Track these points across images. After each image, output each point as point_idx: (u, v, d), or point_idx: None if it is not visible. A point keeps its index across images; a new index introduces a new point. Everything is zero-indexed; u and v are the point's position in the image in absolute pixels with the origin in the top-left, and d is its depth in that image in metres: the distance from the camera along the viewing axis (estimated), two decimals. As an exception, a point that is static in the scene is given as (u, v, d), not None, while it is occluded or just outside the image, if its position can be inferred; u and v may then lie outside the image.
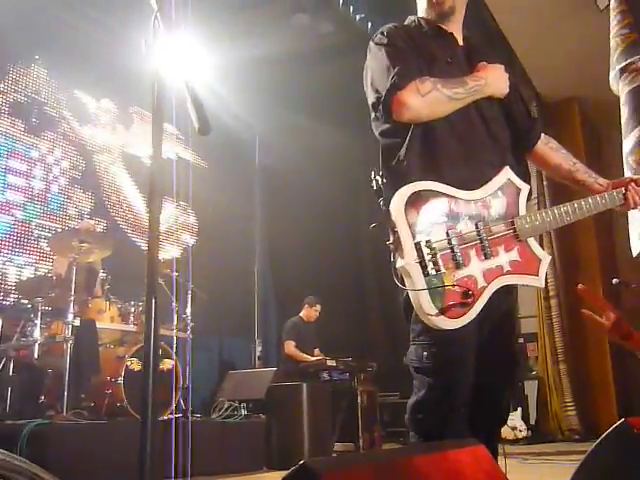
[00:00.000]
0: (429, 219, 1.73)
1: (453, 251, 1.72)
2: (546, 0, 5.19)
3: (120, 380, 4.50)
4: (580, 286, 1.99)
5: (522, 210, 1.86)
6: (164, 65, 1.43)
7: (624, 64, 3.21)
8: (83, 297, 4.87)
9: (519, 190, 1.88)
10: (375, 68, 1.95)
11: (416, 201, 1.72)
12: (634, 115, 3.22)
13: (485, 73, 1.97)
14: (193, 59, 5.94)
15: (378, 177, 1.85)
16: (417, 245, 1.69)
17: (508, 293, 1.90)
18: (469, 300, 1.69)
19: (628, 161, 3.25)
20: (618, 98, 3.37)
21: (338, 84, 7.21)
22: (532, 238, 1.86)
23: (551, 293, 6.67)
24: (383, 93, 1.86)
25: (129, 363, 4.60)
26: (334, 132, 7.54)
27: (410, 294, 1.69)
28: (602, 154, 7.30)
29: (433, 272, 1.68)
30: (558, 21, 5.50)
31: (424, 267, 1.67)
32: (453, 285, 1.68)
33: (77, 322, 4.49)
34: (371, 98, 1.95)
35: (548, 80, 6.48)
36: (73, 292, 4.51)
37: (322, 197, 7.64)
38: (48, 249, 5.68)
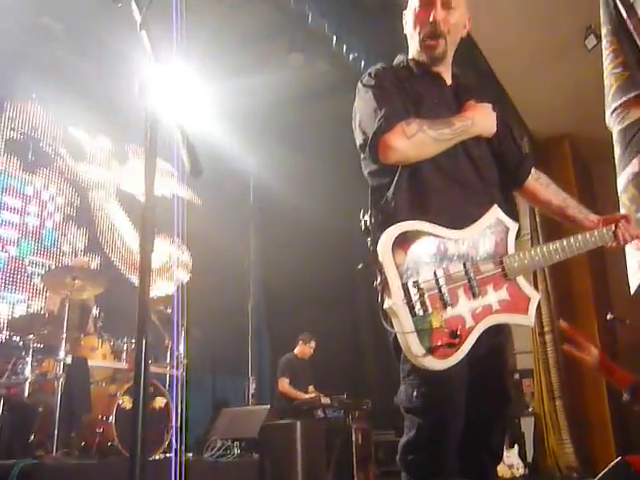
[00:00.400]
0: (416, 259, 1.72)
1: (441, 291, 1.71)
2: (536, 40, 5.28)
3: (111, 419, 4.44)
4: (561, 322, 2.00)
5: (511, 249, 1.86)
6: (159, 104, 1.44)
7: (619, 102, 3.26)
8: (75, 334, 4.84)
9: (507, 228, 1.88)
10: (363, 110, 1.97)
11: (403, 241, 1.72)
12: (625, 154, 3.26)
13: (472, 113, 1.98)
14: (188, 98, 6.02)
15: (367, 217, 1.86)
16: (404, 285, 1.68)
17: (498, 331, 1.89)
18: (457, 340, 1.68)
19: (622, 199, 3.28)
20: (609, 135, 3.41)
21: (333, 123, 7.27)
22: (521, 276, 1.85)
23: (546, 329, 6.65)
24: (370, 135, 1.88)
25: (121, 401, 4.55)
26: (329, 171, 7.59)
27: (398, 334, 1.68)
28: (594, 191, 7.35)
29: (421, 312, 1.67)
30: (548, 60, 5.59)
31: (411, 307, 1.67)
32: (440, 326, 1.67)
33: (69, 360, 4.44)
34: (359, 140, 1.97)
35: (539, 118, 6.55)
36: (65, 329, 4.48)
37: (316, 235, 7.65)
38: (41, 286, 5.66)
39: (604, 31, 3.43)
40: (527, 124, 6.66)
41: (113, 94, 6.05)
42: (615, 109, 3.28)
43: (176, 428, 4.98)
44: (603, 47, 3.42)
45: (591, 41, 5.00)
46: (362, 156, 2.03)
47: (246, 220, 8.72)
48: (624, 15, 3.30)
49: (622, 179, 3.29)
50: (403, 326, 1.66)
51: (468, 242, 1.81)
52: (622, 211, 3.23)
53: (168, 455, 4.84)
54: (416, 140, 1.84)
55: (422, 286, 1.69)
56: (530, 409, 6.94)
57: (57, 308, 4.98)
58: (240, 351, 8.03)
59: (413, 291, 1.68)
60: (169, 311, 5.69)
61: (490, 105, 2.04)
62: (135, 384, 1.21)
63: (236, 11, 5.89)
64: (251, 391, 7.80)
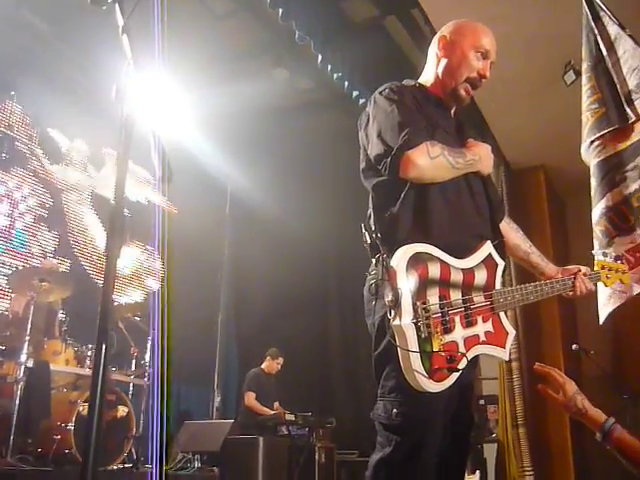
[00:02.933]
0: (426, 281, 1.78)
1: (443, 316, 1.77)
2: (516, 72, 5.36)
3: (70, 426, 4.35)
4: (536, 365, 2.04)
5: (498, 284, 1.95)
6: (135, 109, 1.43)
7: (593, 137, 3.34)
8: (39, 337, 4.74)
9: (497, 265, 1.96)
10: (384, 122, 1.99)
11: (416, 262, 1.77)
12: (600, 187, 3.33)
13: (477, 150, 2.07)
14: (169, 106, 6.00)
15: (372, 233, 1.91)
16: (415, 306, 1.72)
17: (474, 363, 1.93)
18: (453, 365, 1.74)
19: (595, 231, 3.35)
20: (582, 168, 3.48)
21: (313, 139, 7.32)
22: (502, 312, 1.94)
23: (512, 356, 6.68)
24: (394, 147, 1.90)
25: (81, 408, 4.46)
26: (306, 185, 7.60)
27: (401, 353, 1.71)
28: (566, 221, 7.46)
29: (425, 334, 1.72)
30: (527, 93, 5.68)
31: (418, 328, 1.71)
32: (442, 350, 1.73)
33: (30, 363, 4.36)
34: (377, 149, 1.97)
35: (516, 148, 6.64)
36: (29, 332, 4.39)
37: (290, 251, 7.64)
38: (7, 286, 5.55)
39: (584, 67, 3.51)
40: (504, 153, 6.75)
41: (94, 98, 5.99)
42: (592, 143, 3.36)
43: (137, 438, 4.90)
44: (582, 82, 3.51)
45: (570, 76, 5.09)
46: (363, 166, 2.08)
47: (221, 230, 8.67)
48: (604, 52, 3.39)
49: (596, 211, 3.36)
50: (410, 346, 1.70)
51: (468, 272, 1.88)
52: (595, 243, 3.32)
53: (127, 465, 4.77)
54: (436, 162, 1.90)
55: (430, 308, 1.75)
56: (494, 435, 6.96)
57: (22, 310, 4.88)
58: (207, 363, 7.96)
59: (422, 313, 1.73)
60: (136, 318, 5.63)
61: (490, 147, 2.14)
62: (92, 390, 1.19)
63: (224, 24, 5.91)
64: (216, 404, 7.72)
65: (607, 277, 2.40)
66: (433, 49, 2.24)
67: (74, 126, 6.61)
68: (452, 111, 2.22)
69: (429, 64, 2.25)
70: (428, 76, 2.23)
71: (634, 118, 3.19)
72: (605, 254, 2.52)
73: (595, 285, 2.35)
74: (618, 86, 3.30)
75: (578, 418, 1.94)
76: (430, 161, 1.89)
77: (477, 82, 2.16)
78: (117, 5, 1.55)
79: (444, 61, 2.17)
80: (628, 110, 3.21)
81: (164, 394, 5.08)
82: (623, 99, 3.25)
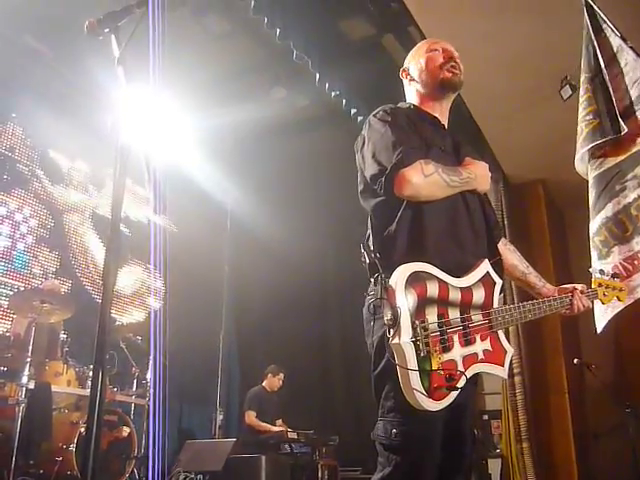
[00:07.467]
0: (424, 300, 1.78)
1: (442, 335, 1.78)
2: (514, 88, 5.41)
3: (72, 447, 4.33)
4: None
5: (496, 303, 1.95)
6: (132, 140, 1.44)
7: (586, 148, 3.37)
8: (41, 358, 4.74)
9: (494, 283, 1.97)
10: (379, 142, 2.02)
11: (414, 281, 1.78)
12: (600, 199, 3.35)
13: (474, 168, 2.08)
14: (168, 126, 6.03)
15: (370, 252, 1.91)
16: (414, 324, 1.73)
17: (474, 381, 1.93)
18: (452, 384, 1.74)
19: (594, 241, 3.36)
20: (581, 181, 3.50)
21: (311, 156, 7.35)
22: (500, 330, 1.94)
23: (515, 370, 6.66)
24: (388, 167, 1.93)
25: (83, 429, 4.44)
26: (305, 202, 7.62)
27: (400, 371, 1.71)
28: (566, 234, 7.48)
29: (423, 353, 1.72)
30: (525, 108, 5.73)
31: (417, 347, 1.72)
32: (440, 369, 1.73)
33: (32, 385, 4.35)
34: (372, 170, 2.00)
35: (514, 162, 6.67)
36: (30, 353, 4.39)
37: (291, 267, 7.64)
38: (8, 308, 5.54)
39: (582, 78, 3.54)
40: (503, 168, 6.78)
41: (94, 118, 6.03)
42: (592, 156, 3.38)
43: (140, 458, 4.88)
44: (580, 93, 3.53)
45: (566, 91, 5.13)
46: (362, 187, 2.10)
47: (221, 249, 8.68)
48: (602, 65, 3.42)
49: (595, 223, 3.37)
50: (409, 364, 1.70)
51: (466, 291, 1.88)
52: (594, 253, 3.33)
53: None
54: (431, 180, 1.92)
55: (428, 327, 1.75)
56: (498, 450, 6.92)
57: (23, 331, 4.88)
58: (209, 382, 7.93)
59: (421, 331, 1.73)
60: (138, 338, 5.63)
61: (487, 165, 2.15)
62: (89, 412, 1.19)
63: (221, 45, 5.96)
64: (218, 423, 7.68)
65: (604, 295, 2.42)
66: (404, 82, 2.35)
67: (75, 147, 6.64)
68: (445, 126, 2.24)
69: (407, 94, 2.35)
70: (413, 100, 2.30)
71: (626, 130, 3.22)
72: (602, 272, 2.53)
73: (592, 302, 2.36)
74: (614, 98, 3.33)
75: None
76: (424, 179, 1.91)
77: (450, 62, 2.20)
78: (113, 36, 1.56)
79: (415, 83, 2.27)
80: (622, 123, 3.24)
81: (166, 413, 5.05)
82: (618, 111, 3.28)
